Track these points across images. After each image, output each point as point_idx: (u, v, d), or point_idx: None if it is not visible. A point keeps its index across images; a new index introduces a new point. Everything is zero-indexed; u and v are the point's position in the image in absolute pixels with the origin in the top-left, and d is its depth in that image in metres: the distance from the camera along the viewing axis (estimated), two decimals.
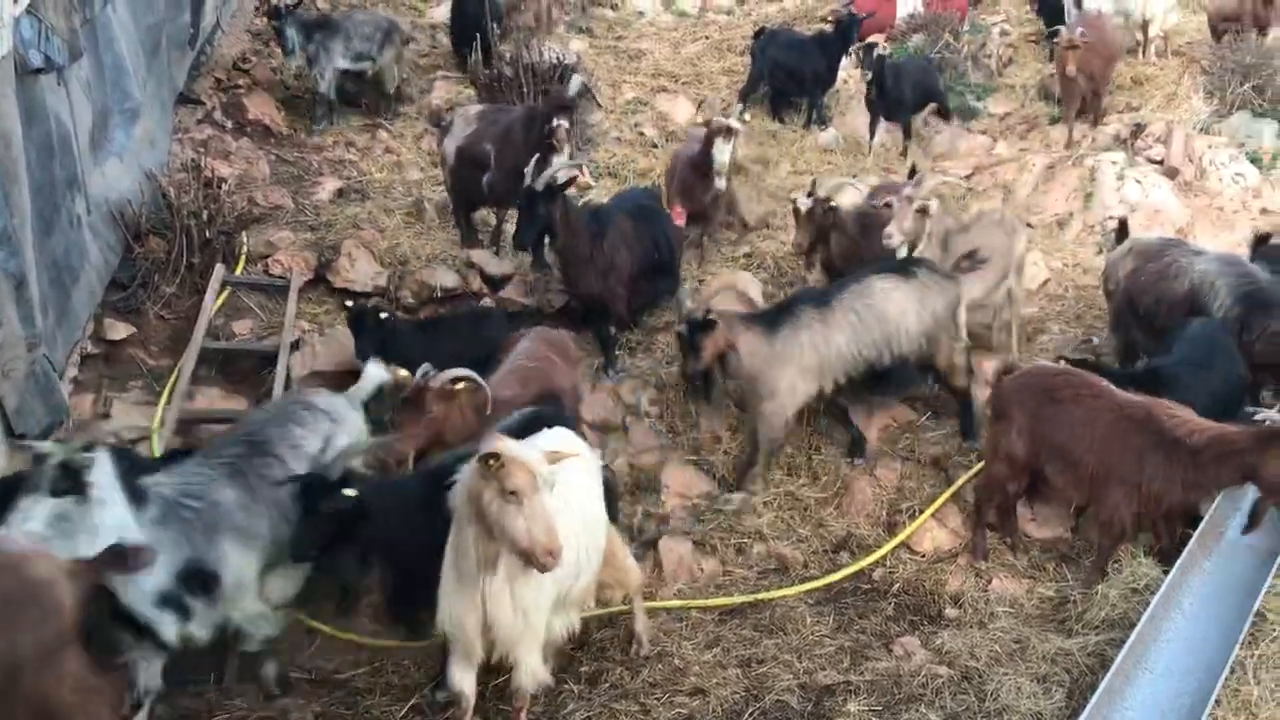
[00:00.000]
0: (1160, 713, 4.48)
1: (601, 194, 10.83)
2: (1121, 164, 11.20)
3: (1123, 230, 8.43)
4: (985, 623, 5.75)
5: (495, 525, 4.11)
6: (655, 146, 12.16)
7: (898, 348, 6.94)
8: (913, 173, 9.19)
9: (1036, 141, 12.44)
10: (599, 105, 10.76)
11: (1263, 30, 13.47)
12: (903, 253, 7.60)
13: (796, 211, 8.37)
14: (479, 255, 8.85)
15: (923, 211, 7.66)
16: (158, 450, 6.49)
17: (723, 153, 8.84)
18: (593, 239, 7.71)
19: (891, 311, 6.91)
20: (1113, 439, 5.77)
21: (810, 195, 8.30)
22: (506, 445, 4.14)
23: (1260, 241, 8.33)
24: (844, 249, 8.26)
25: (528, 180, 7.52)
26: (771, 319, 6.91)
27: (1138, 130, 11.58)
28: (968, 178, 11.84)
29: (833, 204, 8.20)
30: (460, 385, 5.81)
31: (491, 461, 4.05)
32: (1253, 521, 5.77)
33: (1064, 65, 11.17)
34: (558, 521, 4.31)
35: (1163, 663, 4.73)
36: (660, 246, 8.18)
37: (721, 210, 9.60)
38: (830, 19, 12.80)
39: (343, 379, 7.44)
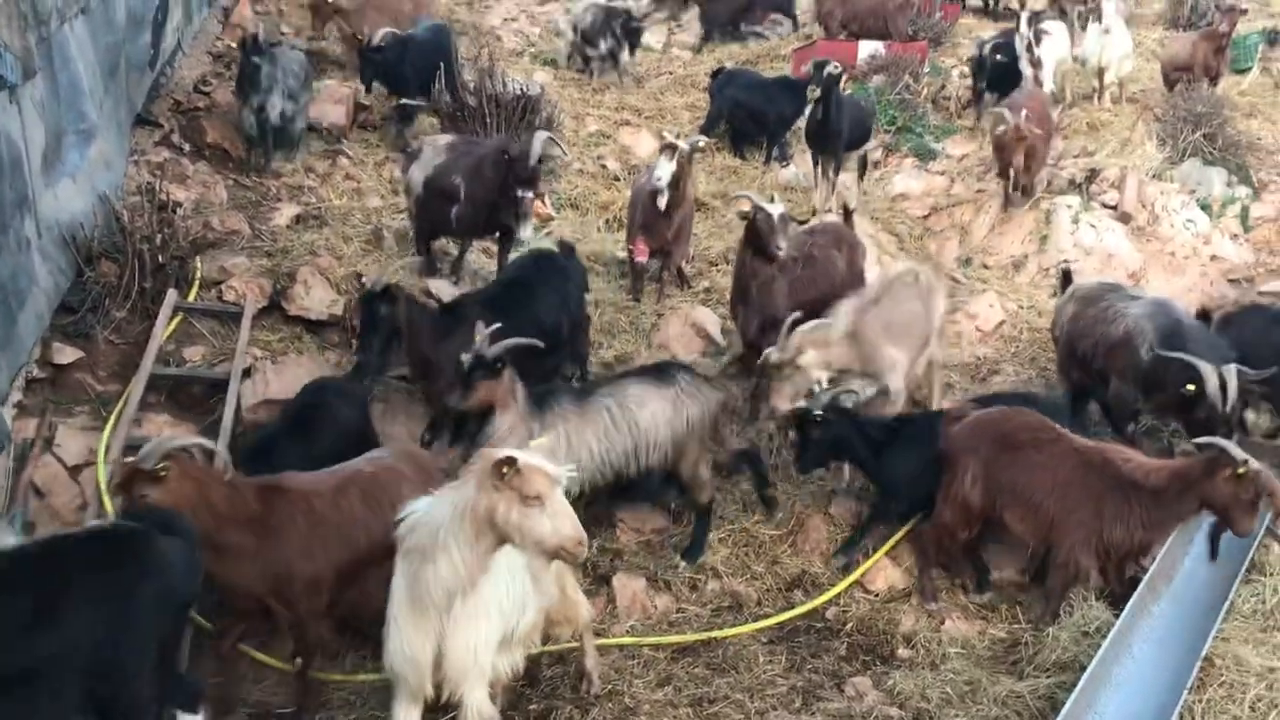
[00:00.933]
0: None
1: (565, 226, 10.87)
2: (1076, 208, 11.38)
3: (1066, 279, 8.54)
4: (937, 664, 5.77)
5: (518, 533, 4.08)
6: (617, 179, 12.20)
7: (645, 458, 6.49)
8: (847, 215, 9.20)
9: (993, 184, 12.60)
10: (563, 151, 10.69)
11: (1213, 80, 13.76)
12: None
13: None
14: (436, 284, 8.79)
15: (795, 368, 7.07)
16: (103, 477, 6.35)
17: (663, 169, 8.80)
18: (442, 340, 7.07)
19: (644, 419, 6.45)
20: (1072, 484, 5.86)
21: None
22: (513, 451, 4.12)
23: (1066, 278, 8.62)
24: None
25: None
26: (535, 401, 6.26)
27: (1093, 175, 11.76)
28: (925, 218, 12.00)
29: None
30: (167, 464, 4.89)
31: (506, 469, 4.01)
32: (1213, 548, 5.95)
33: (1010, 155, 10.93)
34: (503, 555, 4.32)
35: (1112, 708, 4.74)
36: (548, 327, 7.35)
37: (684, 245, 9.61)
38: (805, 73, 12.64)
39: None
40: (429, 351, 7.11)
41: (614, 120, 13.53)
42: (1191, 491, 5.59)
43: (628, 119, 13.63)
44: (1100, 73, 14.12)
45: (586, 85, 14.59)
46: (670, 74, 15.49)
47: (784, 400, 7.03)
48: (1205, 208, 11.75)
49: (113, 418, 6.98)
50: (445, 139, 9.34)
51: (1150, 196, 11.66)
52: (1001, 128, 10.92)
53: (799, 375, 7.06)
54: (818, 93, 11.22)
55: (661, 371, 6.76)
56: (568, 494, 4.24)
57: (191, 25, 12.67)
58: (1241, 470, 5.36)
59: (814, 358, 7.09)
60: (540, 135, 8.75)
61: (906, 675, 5.63)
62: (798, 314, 7.28)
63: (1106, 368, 7.52)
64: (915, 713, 5.31)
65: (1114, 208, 11.56)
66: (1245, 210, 11.85)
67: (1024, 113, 10.93)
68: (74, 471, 6.60)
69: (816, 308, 7.91)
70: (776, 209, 7.71)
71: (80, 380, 7.24)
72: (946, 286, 8.55)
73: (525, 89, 11.57)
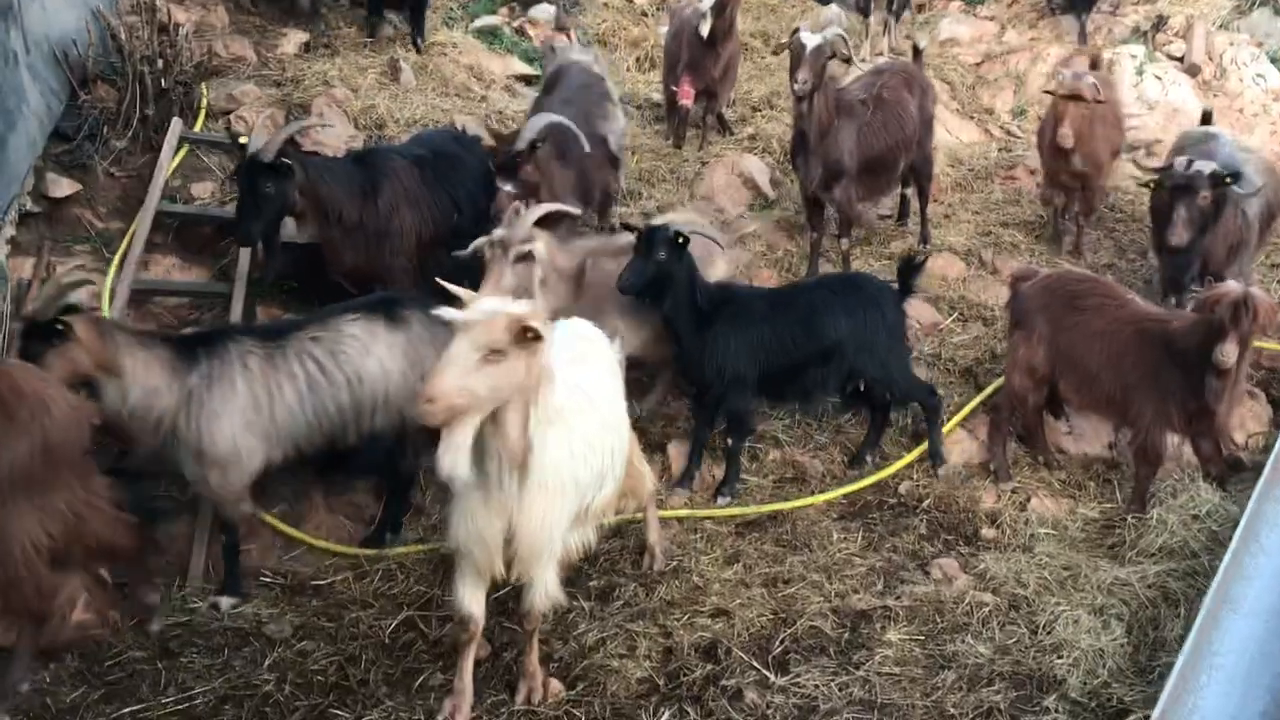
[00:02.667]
0: (1251, 658, 4.05)
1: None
2: (1141, 59, 10.60)
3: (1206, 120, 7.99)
4: (1028, 546, 5.29)
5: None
6: (645, 15, 11.32)
7: (369, 421, 5.09)
8: (916, 54, 8.20)
9: (1047, 31, 11.77)
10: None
11: None
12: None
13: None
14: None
15: (524, 259, 5.49)
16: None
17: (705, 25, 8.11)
18: (361, 195, 5.97)
19: (370, 369, 5.01)
20: (1127, 354, 5.40)
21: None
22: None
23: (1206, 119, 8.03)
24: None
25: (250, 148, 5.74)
26: (188, 346, 4.82)
27: (1159, 23, 10.93)
28: (978, 65, 11.19)
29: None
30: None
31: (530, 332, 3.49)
32: None
33: (1058, 123, 7.38)
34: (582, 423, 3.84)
35: (1248, 601, 4.29)
36: (464, 205, 6.32)
37: (729, 85, 8.85)
38: None
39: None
40: (350, 208, 5.91)
41: None
42: (1201, 324, 5.20)
43: None
44: None
45: None
46: None
47: (493, 291, 5.13)
48: (1275, 61, 11.00)
49: (116, 258, 6.36)
50: None
51: (1218, 48, 10.89)
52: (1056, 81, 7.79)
53: (523, 268, 5.51)
54: None
55: (390, 309, 5.19)
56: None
57: None
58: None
59: (546, 251, 5.62)
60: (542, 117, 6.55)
61: (997, 558, 5.17)
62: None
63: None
64: (1011, 599, 4.85)
65: (1180, 59, 10.78)
66: None
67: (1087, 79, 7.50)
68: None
69: (887, 158, 7.25)
70: (813, 39, 6.85)
71: (79, 216, 6.57)
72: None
73: None
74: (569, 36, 10.32)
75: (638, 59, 10.32)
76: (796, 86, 6.78)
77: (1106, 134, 7.79)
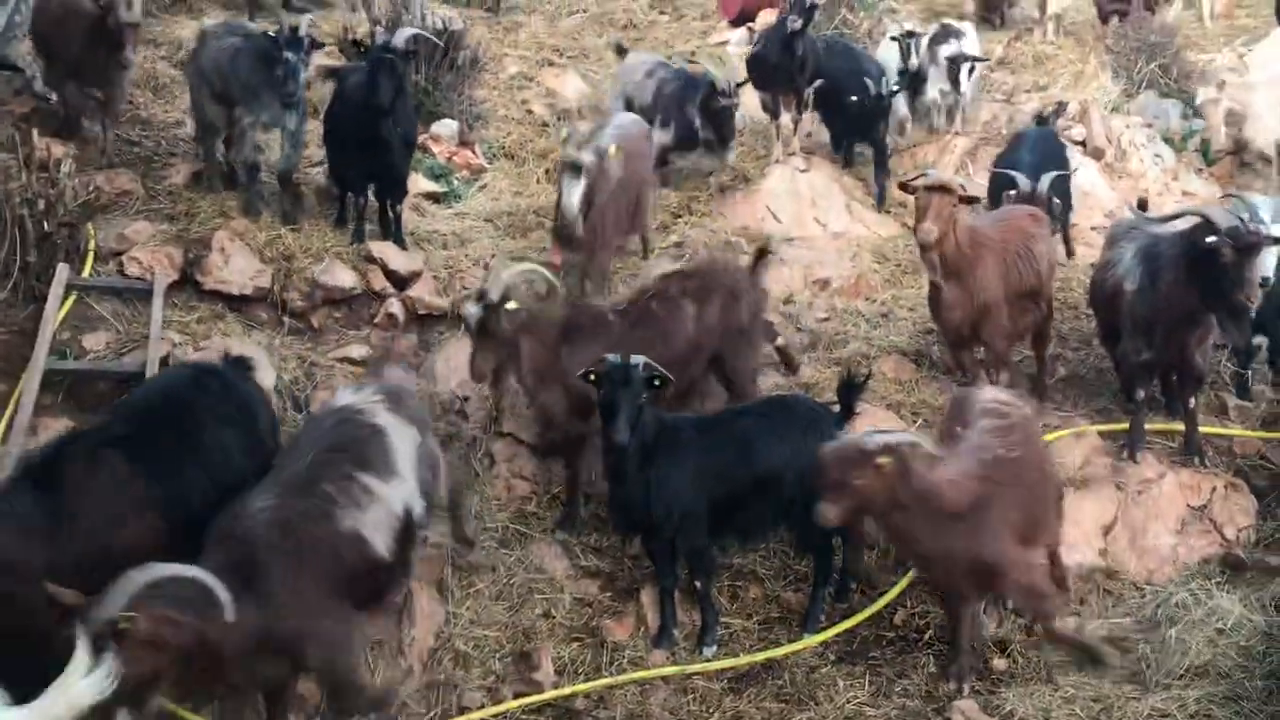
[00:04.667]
0: None
1: (501, 178, 9.68)
2: None
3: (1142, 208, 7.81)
4: (1048, 677, 4.90)
5: None
6: (547, 126, 11.03)
7: None
8: (760, 255, 6.87)
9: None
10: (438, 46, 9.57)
11: (1150, 10, 13.32)
12: None
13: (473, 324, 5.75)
14: (381, 248, 7.54)
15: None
16: None
17: (571, 194, 7.02)
18: None
19: None
20: None
21: (480, 299, 5.62)
22: None
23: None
24: (540, 362, 5.85)
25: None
26: None
27: (1059, 109, 11.07)
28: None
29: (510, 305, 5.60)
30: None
31: None
32: None
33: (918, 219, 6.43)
34: None
35: None
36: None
37: (612, 247, 7.72)
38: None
39: None
40: None
41: (534, 61, 12.29)
42: None
43: (549, 59, 12.41)
44: (1042, 4, 13.58)
45: (496, 24, 13.28)
46: (584, 11, 14.27)
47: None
48: (1169, 141, 11.26)
49: (1, 425, 5.63)
50: None
51: (1115, 131, 11.09)
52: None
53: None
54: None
55: None
56: None
57: None
58: None
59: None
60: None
61: (1020, 695, 4.76)
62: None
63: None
64: None
65: (1083, 144, 10.92)
66: (1206, 143, 11.39)
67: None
68: None
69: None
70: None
71: None
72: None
73: (447, 24, 10.24)
74: (474, 150, 9.94)
75: (546, 170, 9.96)
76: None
77: (1007, 268, 6.67)
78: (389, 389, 4.96)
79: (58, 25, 8.03)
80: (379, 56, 7.28)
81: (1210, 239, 5.73)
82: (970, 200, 6.33)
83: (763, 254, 6.73)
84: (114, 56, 7.75)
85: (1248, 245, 5.68)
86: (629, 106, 9.55)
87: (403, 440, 4.67)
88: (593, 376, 5.06)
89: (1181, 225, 6.18)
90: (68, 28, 7.91)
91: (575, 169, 7.00)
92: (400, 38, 7.44)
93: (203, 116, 7.89)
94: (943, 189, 6.29)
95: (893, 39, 10.82)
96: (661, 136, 9.20)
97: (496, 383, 6.14)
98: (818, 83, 9.78)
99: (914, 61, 10.58)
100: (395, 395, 4.90)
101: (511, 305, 5.58)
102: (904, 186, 6.73)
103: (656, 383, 5.05)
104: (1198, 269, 5.88)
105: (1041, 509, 4.92)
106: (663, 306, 6.13)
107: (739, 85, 9.45)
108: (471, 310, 5.62)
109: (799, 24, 9.67)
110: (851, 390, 5.60)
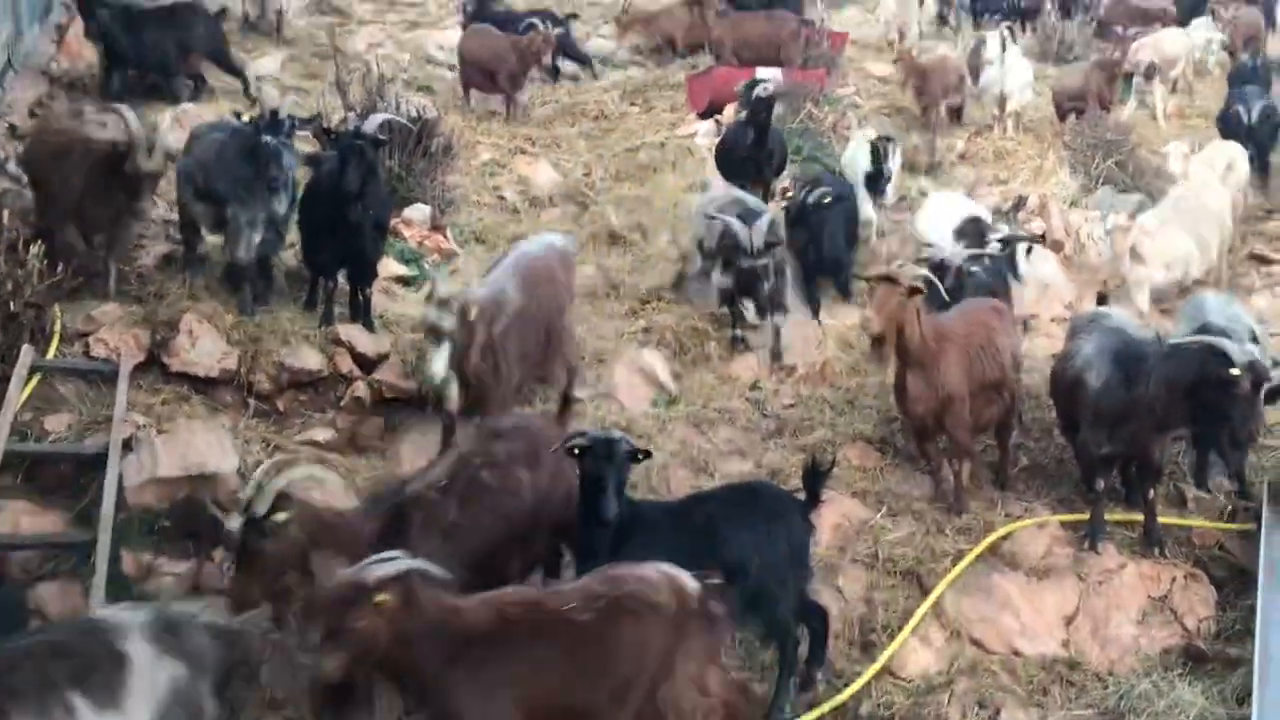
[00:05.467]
0: None
1: (470, 261, 9.77)
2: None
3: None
4: None
5: None
6: (518, 211, 11.19)
7: None
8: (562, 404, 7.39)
9: (909, 213, 12.11)
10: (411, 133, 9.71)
11: (1106, 109, 13.74)
12: None
13: None
14: (349, 330, 7.56)
15: None
16: None
17: (435, 362, 6.26)
18: None
19: None
20: None
21: (245, 511, 4.86)
22: None
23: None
24: None
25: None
26: None
27: (1020, 203, 11.34)
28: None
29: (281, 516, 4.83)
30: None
31: None
32: None
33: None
34: None
35: None
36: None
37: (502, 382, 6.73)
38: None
39: (190, 487, 6.09)
40: None
41: (507, 149, 12.51)
42: None
43: (521, 147, 12.63)
44: (1002, 101, 13.97)
45: (470, 113, 13.51)
46: (557, 102, 14.54)
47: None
48: None
49: None
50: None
51: (1074, 224, 11.34)
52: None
53: None
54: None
55: None
56: None
57: (22, 41, 11.09)
58: None
59: None
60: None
61: None
62: None
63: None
64: None
65: (1043, 237, 11.16)
66: None
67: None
68: None
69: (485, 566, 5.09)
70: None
71: None
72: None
73: (421, 112, 10.41)
74: (445, 235, 10.04)
75: None
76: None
77: (970, 361, 6.74)
78: (165, 615, 4.25)
79: (57, 159, 7.29)
80: (350, 144, 7.29)
81: (1232, 371, 5.75)
82: (915, 291, 6.43)
83: (567, 403, 6.96)
84: (127, 204, 7.28)
85: (1261, 381, 5.82)
86: (700, 247, 9.00)
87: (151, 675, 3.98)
88: (576, 450, 4.99)
89: (1187, 345, 6.20)
90: (71, 164, 7.18)
91: (436, 334, 6.22)
92: (372, 125, 7.53)
93: (185, 214, 7.91)
94: (888, 280, 6.43)
95: (870, 141, 10.73)
96: (721, 280, 8.43)
97: (279, 614, 4.89)
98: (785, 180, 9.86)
99: (888, 168, 10.66)
100: (171, 624, 4.17)
101: (282, 516, 4.76)
102: (860, 278, 6.90)
103: (639, 457, 5.04)
104: (1199, 395, 5.95)
105: None
106: (495, 475, 5.27)
107: (771, 245, 8.04)
108: (232, 526, 4.75)
109: (769, 90, 10.01)
110: (817, 477, 5.61)
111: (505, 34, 13.67)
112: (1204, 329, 6.65)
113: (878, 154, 10.46)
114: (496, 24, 14.33)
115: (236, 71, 12.23)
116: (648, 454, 5.15)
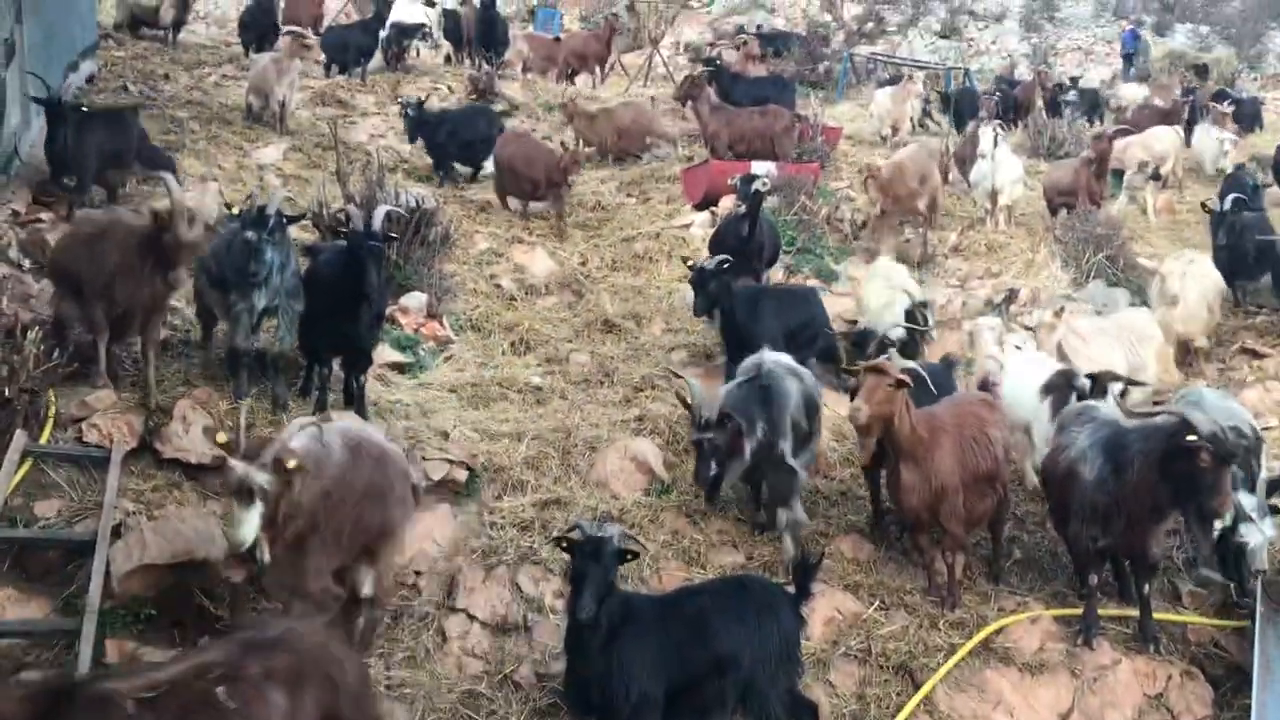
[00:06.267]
0: None
1: (467, 350, 9.84)
2: (999, 329, 10.99)
3: None
4: None
5: None
6: (514, 299, 11.29)
7: None
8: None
9: None
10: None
11: (1095, 204, 13.95)
12: None
13: None
14: (342, 417, 7.55)
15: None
16: None
17: (240, 525, 5.04)
18: None
19: None
20: None
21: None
22: None
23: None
24: None
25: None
26: None
27: (1012, 295, 11.46)
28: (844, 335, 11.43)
29: None
30: None
31: None
32: None
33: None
34: None
35: None
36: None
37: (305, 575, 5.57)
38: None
39: (180, 573, 6.05)
40: None
41: (504, 238, 12.66)
42: None
43: (519, 236, 12.78)
44: (994, 195, 14.20)
45: (470, 203, 13.71)
46: None
47: None
48: None
49: None
50: None
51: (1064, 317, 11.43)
52: None
53: None
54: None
55: None
56: None
57: (30, 131, 11.29)
58: None
59: None
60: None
61: None
62: None
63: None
64: None
65: (1034, 329, 11.24)
66: None
67: None
68: None
69: None
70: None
71: None
72: None
73: (420, 202, 10.55)
74: (441, 322, 10.12)
75: (512, 343, 10.15)
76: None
77: (963, 453, 6.75)
78: None
79: (94, 241, 7.22)
80: (366, 245, 7.29)
81: (1190, 438, 5.84)
82: (902, 384, 6.47)
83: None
84: (163, 276, 7.13)
85: (1227, 454, 5.86)
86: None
87: None
88: (564, 544, 5.02)
89: (1158, 421, 6.28)
90: (110, 244, 7.14)
91: (246, 494, 5.03)
92: (377, 220, 7.55)
93: (200, 302, 8.16)
94: (876, 371, 6.49)
95: (908, 310, 9.95)
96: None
97: None
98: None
99: (931, 334, 10.31)
100: None
101: None
102: (848, 372, 6.95)
103: (630, 556, 5.02)
104: (1170, 468, 6.00)
105: None
106: (236, 695, 4.00)
107: (724, 419, 6.81)
108: None
109: (767, 185, 10.21)
110: (806, 571, 5.61)
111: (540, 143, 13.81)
112: None
113: (914, 318, 9.64)
114: (432, 124, 14.62)
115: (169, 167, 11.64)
116: (635, 555, 5.13)
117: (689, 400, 6.96)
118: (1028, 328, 11.24)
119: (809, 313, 9.58)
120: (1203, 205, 12.27)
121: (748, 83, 18.13)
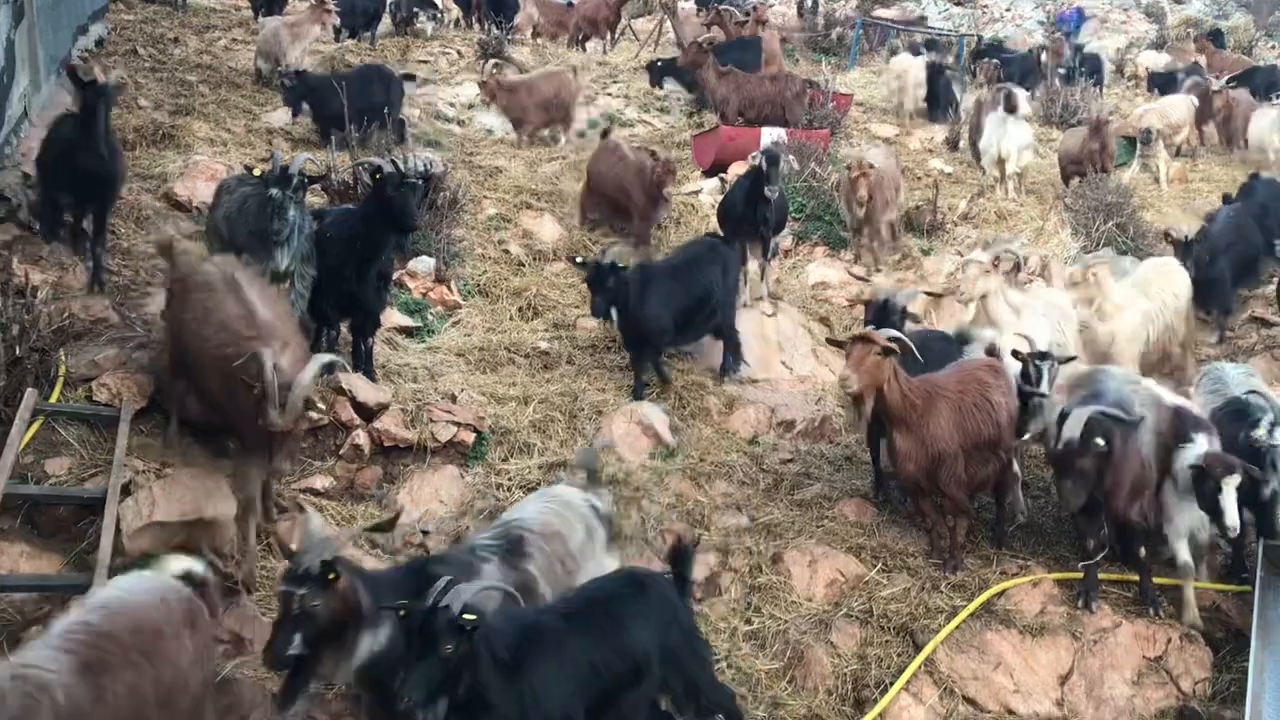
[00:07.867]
0: None
1: (475, 314, 9.87)
2: (987, 265, 10.94)
3: None
4: None
5: None
6: (523, 265, 11.30)
7: None
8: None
9: (911, 272, 12.19)
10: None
11: (1105, 171, 13.88)
12: None
13: None
14: (350, 379, 7.62)
15: None
16: None
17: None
18: None
19: None
20: None
21: None
22: None
23: None
24: None
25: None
26: None
27: (1019, 263, 11.40)
28: (851, 306, 11.42)
29: None
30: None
31: None
32: None
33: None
34: None
35: None
36: None
37: None
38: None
39: (188, 531, 6.12)
40: None
41: (512, 204, 12.62)
42: None
43: (527, 202, 12.75)
44: (1000, 163, 14.12)
45: (479, 168, 13.68)
46: (563, 158, 14.71)
47: None
48: None
49: None
50: None
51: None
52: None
53: None
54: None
55: None
56: None
57: (40, 93, 11.30)
58: None
59: None
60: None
61: None
62: None
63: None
64: None
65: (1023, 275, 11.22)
66: None
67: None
68: None
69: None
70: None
71: None
72: None
73: (429, 166, 10.53)
74: (449, 287, 10.14)
75: (520, 309, 10.18)
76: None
77: (963, 418, 6.74)
78: None
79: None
80: (407, 183, 7.54)
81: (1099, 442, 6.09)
82: (888, 351, 6.46)
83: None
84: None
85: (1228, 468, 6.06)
86: None
87: None
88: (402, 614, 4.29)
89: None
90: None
91: None
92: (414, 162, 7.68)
93: None
94: (864, 340, 6.50)
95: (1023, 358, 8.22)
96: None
97: None
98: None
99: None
100: None
101: None
102: (835, 342, 6.99)
103: (469, 630, 4.17)
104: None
105: None
106: None
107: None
108: None
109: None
110: (684, 558, 5.20)
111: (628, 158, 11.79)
112: (1233, 403, 6.92)
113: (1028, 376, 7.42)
114: (321, 87, 12.94)
115: None
116: (475, 627, 4.19)
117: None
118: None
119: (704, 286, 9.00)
120: (1224, 198, 12.15)
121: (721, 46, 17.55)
